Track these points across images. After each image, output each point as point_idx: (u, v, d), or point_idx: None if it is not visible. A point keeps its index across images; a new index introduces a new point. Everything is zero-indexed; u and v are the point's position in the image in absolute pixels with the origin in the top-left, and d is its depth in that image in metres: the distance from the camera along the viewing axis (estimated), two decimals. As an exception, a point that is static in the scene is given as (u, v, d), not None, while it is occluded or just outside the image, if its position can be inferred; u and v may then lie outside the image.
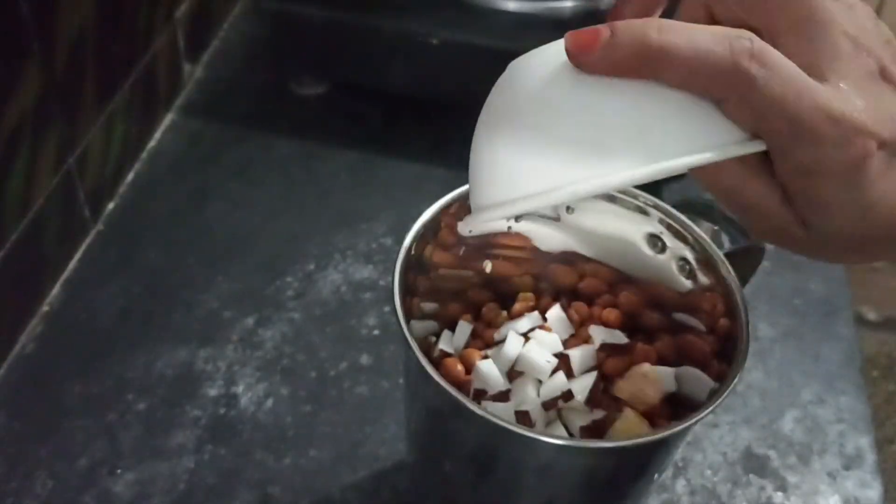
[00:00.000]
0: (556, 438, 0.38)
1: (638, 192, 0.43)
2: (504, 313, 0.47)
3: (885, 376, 1.54)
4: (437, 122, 0.73)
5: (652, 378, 0.42)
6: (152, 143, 0.71)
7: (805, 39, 0.29)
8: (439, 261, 0.44)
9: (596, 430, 0.42)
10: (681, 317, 0.44)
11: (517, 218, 0.45)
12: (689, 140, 0.29)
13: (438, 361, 0.44)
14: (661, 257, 0.44)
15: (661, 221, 0.43)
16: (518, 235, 0.46)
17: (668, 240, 0.43)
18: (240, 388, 0.56)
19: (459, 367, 0.43)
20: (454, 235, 0.44)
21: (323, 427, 0.54)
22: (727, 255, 0.42)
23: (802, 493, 0.54)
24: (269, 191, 0.68)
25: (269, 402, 0.55)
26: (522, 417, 0.42)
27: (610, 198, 0.44)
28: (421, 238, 0.42)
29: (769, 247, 0.63)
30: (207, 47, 0.78)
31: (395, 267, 0.40)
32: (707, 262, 0.42)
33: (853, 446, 0.56)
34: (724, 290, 0.41)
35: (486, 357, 0.44)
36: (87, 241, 0.63)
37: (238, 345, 0.58)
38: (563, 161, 0.30)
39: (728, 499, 0.53)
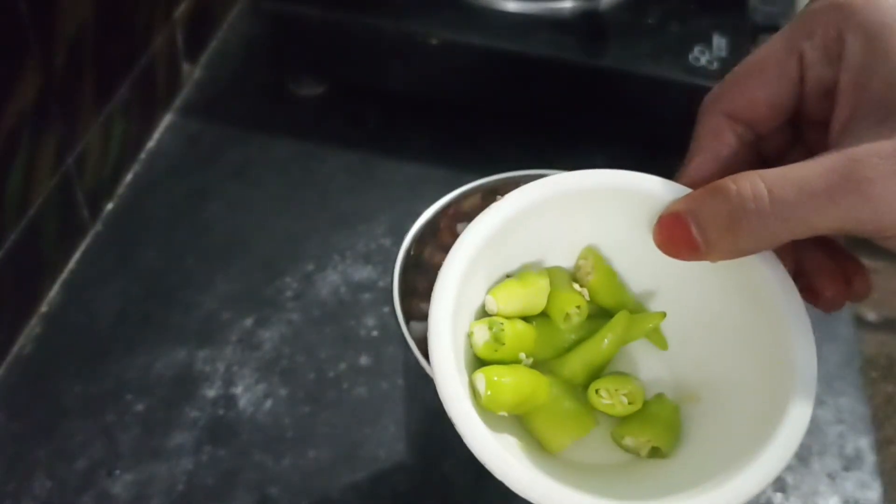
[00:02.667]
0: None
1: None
2: (503, 314, 0.46)
3: (884, 377, 1.54)
4: (436, 122, 0.73)
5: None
6: (151, 144, 0.71)
7: None
8: (438, 262, 0.44)
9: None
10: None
11: None
12: None
13: (437, 362, 0.44)
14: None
15: None
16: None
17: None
18: (238, 389, 0.56)
19: (458, 368, 0.43)
20: (453, 236, 0.44)
21: (322, 428, 0.54)
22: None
23: (802, 493, 0.53)
24: (268, 191, 0.68)
25: (268, 403, 0.55)
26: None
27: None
28: (420, 239, 0.42)
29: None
30: (206, 47, 0.78)
31: (394, 267, 0.40)
32: (706, 262, 0.42)
33: (853, 447, 0.56)
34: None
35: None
36: (86, 241, 0.63)
37: (237, 345, 0.58)
38: None
39: (727, 500, 0.53)
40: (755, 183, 0.27)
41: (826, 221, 0.26)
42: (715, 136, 0.31)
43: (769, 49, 0.30)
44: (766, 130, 0.32)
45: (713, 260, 0.29)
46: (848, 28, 0.27)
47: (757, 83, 0.30)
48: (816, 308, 0.32)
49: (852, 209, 0.26)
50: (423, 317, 0.45)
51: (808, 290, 0.32)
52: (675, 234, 0.29)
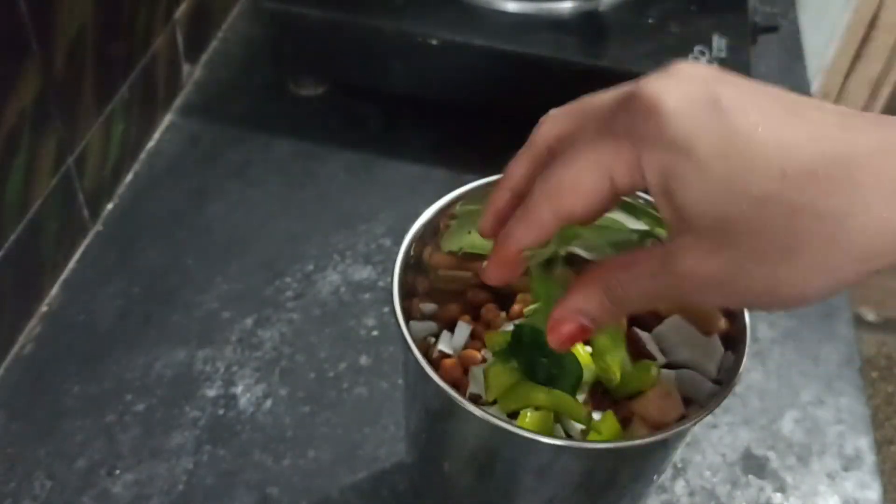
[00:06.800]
0: (554, 439, 0.38)
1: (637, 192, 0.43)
2: (503, 314, 0.47)
3: (883, 377, 1.54)
4: (436, 122, 0.73)
5: (673, 399, 0.42)
6: (151, 144, 0.71)
7: None
8: (438, 262, 0.44)
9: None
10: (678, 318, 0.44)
11: None
12: None
13: (437, 362, 0.44)
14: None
15: (660, 222, 0.43)
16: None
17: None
18: (239, 389, 0.56)
19: (458, 368, 0.43)
20: (453, 236, 0.44)
21: (322, 428, 0.54)
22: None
23: (801, 493, 0.53)
24: (268, 191, 0.68)
25: (268, 403, 0.55)
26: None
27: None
28: (420, 239, 0.42)
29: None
30: (207, 48, 0.78)
31: (394, 268, 0.40)
32: (706, 262, 0.42)
33: (852, 447, 0.56)
34: (724, 291, 0.41)
35: (484, 359, 0.43)
36: (86, 241, 0.63)
37: (237, 345, 0.58)
38: None
39: (727, 500, 0.53)
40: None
41: None
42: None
43: (581, 167, 0.31)
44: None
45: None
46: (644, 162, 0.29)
47: (573, 200, 0.31)
48: None
49: None
50: (423, 317, 0.45)
51: None
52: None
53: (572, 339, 0.33)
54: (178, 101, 0.74)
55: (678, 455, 0.54)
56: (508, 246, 0.33)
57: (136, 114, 0.67)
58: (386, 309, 0.60)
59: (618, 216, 0.44)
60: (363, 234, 0.65)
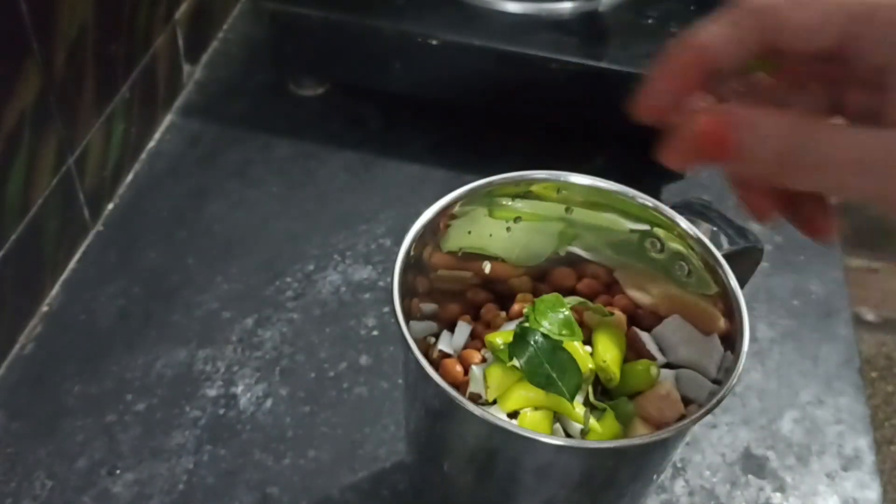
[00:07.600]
0: (554, 439, 0.38)
1: (636, 192, 0.44)
2: (503, 314, 0.47)
3: (883, 377, 1.54)
4: (436, 122, 0.73)
5: (673, 399, 0.42)
6: (152, 144, 0.71)
7: None
8: (438, 262, 0.44)
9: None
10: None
11: (516, 219, 0.45)
12: None
13: (437, 362, 0.44)
14: (660, 258, 0.44)
15: (659, 222, 0.43)
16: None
17: (667, 241, 0.43)
18: (239, 389, 0.56)
19: (458, 368, 0.43)
20: (453, 236, 0.44)
21: (322, 427, 0.54)
22: (725, 256, 0.42)
23: (801, 493, 0.54)
24: (269, 191, 0.68)
25: (269, 403, 0.55)
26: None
27: (609, 198, 0.44)
28: (420, 239, 0.42)
29: (767, 247, 0.63)
30: (207, 48, 0.78)
31: (394, 268, 0.40)
32: (705, 263, 0.42)
33: (852, 447, 0.56)
34: (723, 291, 0.41)
35: (484, 359, 0.44)
36: (87, 241, 0.63)
37: (237, 345, 0.58)
38: None
39: (727, 499, 0.53)
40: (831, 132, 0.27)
41: (863, 193, 0.26)
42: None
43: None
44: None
45: (730, 168, 0.29)
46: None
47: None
48: (804, 233, 0.32)
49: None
50: (424, 317, 0.45)
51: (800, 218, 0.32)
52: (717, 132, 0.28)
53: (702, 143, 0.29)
54: (179, 101, 0.74)
55: (678, 455, 0.54)
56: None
57: (136, 114, 0.67)
58: (386, 309, 0.60)
59: (617, 217, 0.44)
60: (363, 234, 0.65)
